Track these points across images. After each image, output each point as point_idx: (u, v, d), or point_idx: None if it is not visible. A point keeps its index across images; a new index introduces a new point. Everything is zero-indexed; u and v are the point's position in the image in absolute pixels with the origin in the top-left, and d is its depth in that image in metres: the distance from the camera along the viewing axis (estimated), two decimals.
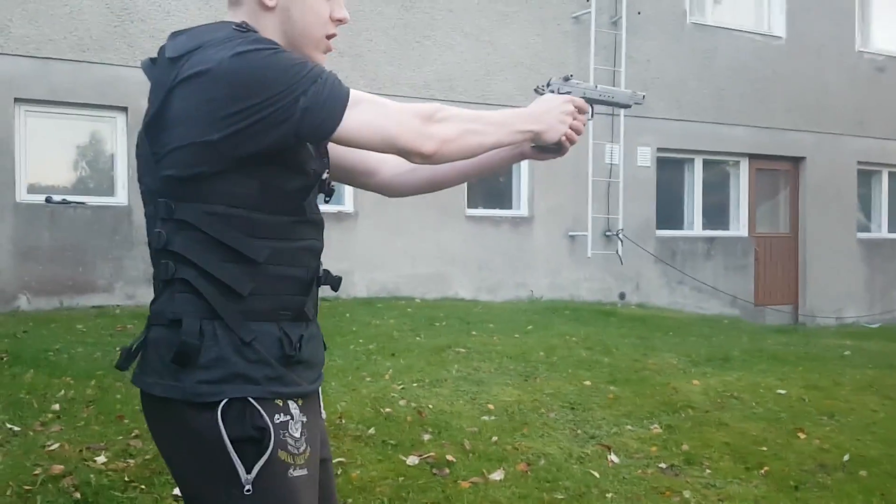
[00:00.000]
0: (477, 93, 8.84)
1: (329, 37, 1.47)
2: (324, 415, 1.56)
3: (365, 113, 1.33)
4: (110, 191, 7.44)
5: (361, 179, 1.72)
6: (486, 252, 8.93)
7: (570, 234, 9.36)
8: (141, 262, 7.24)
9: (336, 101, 1.31)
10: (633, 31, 9.65)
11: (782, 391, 5.13)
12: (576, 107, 1.60)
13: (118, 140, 7.41)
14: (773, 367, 5.81)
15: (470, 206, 8.90)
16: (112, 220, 7.22)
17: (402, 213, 8.27)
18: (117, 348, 5.03)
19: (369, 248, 8.30)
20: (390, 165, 1.69)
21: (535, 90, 1.66)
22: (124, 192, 7.36)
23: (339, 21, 1.47)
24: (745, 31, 10.58)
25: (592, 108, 1.68)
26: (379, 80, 8.33)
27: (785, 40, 10.81)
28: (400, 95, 8.40)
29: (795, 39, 10.87)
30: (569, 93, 1.63)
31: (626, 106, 1.79)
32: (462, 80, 8.78)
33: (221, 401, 1.29)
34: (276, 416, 1.32)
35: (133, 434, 3.53)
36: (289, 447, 1.32)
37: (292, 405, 1.35)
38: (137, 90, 7.26)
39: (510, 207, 9.30)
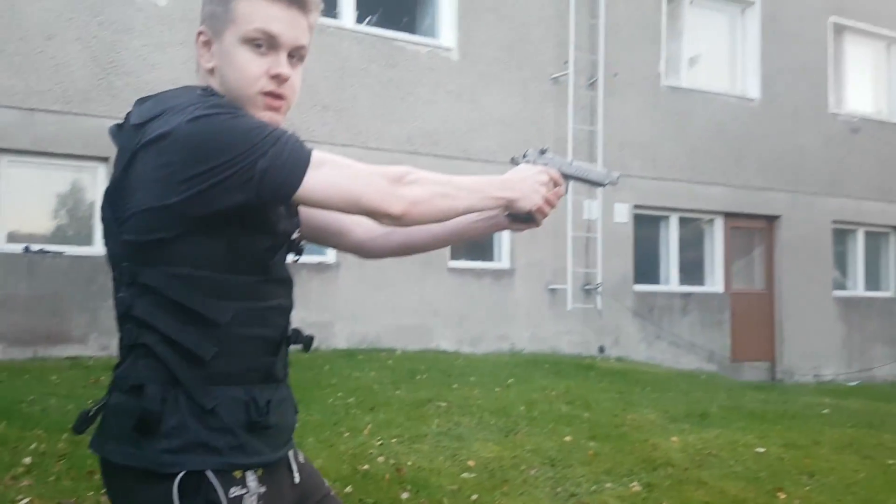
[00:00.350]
0: (459, 149, 8.96)
1: (266, 93, 1.40)
2: (302, 458, 1.53)
3: (328, 174, 1.31)
4: (88, 240, 7.41)
5: (334, 240, 1.70)
6: (468, 304, 8.94)
7: (551, 287, 9.41)
8: None
9: (296, 162, 1.29)
10: (610, 93, 9.87)
11: (761, 449, 5.12)
12: (551, 179, 1.58)
13: (98, 190, 7.40)
14: (751, 425, 5.81)
15: (453, 257, 8.94)
16: (89, 270, 7.16)
17: (385, 265, 8.27)
18: (89, 401, 4.96)
19: (351, 300, 8.29)
20: (364, 227, 1.68)
21: (511, 161, 1.65)
22: (102, 242, 7.32)
23: (276, 77, 1.39)
24: (720, 94, 10.86)
25: (568, 182, 1.67)
26: (363, 134, 8.44)
27: (759, 102, 11.10)
28: (384, 149, 8.51)
29: (770, 101, 11.16)
30: (545, 165, 1.62)
31: (601, 184, 1.75)
32: (445, 136, 8.91)
33: (179, 473, 1.27)
34: (232, 489, 1.30)
35: (104, 490, 3.45)
36: None
37: (250, 476, 1.32)
38: None
39: (492, 260, 9.35)
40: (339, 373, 6.54)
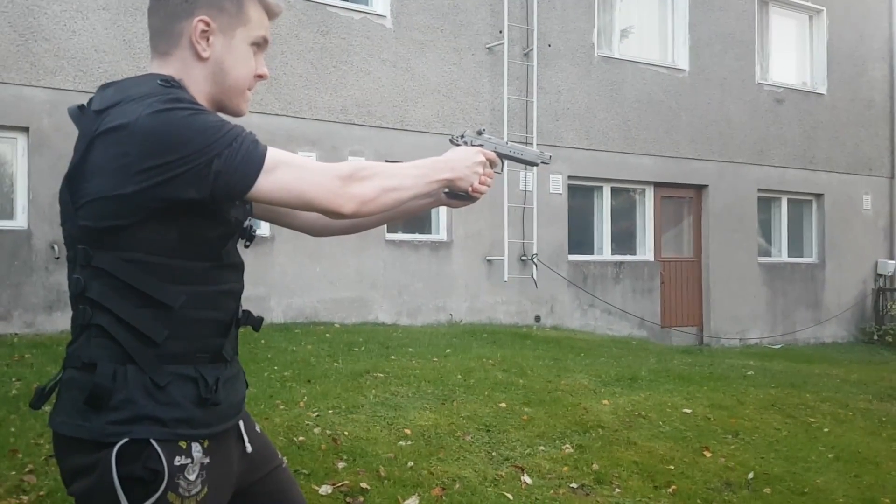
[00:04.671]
0: (395, 118, 8.90)
1: (249, 90, 1.55)
2: (258, 429, 1.63)
3: (281, 176, 1.37)
4: (9, 214, 7.11)
5: (284, 220, 1.79)
6: (406, 276, 8.95)
7: (488, 258, 9.48)
8: (41, 288, 6.93)
9: (250, 164, 1.35)
10: (545, 63, 9.93)
11: (688, 410, 5.30)
12: (487, 159, 1.70)
13: (19, 161, 7.10)
14: (679, 387, 5.99)
15: (389, 230, 8.91)
16: (11, 245, 6.90)
17: (321, 238, 8.17)
18: (14, 379, 4.80)
19: (287, 273, 8.20)
20: None
21: (451, 140, 1.75)
22: (24, 215, 7.05)
23: (260, 77, 1.54)
24: (651, 65, 11.03)
25: (503, 162, 1.79)
26: (295, 103, 8.29)
27: (689, 73, 11.32)
28: (317, 119, 8.39)
29: (699, 72, 11.39)
30: (481, 146, 1.73)
31: (534, 164, 1.89)
32: (380, 105, 8.83)
33: (121, 441, 1.32)
34: (177, 458, 1.35)
35: (27, 469, 3.37)
36: (180, 489, 1.35)
37: (195, 447, 1.38)
38: (41, 110, 7.04)
39: (429, 232, 9.36)
40: (275, 346, 6.48)
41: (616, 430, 4.72)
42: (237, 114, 1.54)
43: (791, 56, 12.75)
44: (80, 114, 1.42)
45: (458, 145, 1.72)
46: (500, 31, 9.52)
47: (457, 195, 1.72)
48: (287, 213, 1.76)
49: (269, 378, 5.33)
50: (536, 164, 1.90)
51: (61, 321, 6.82)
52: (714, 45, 11.51)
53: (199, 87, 1.46)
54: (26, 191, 7.04)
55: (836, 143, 12.81)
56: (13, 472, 3.34)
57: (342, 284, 8.55)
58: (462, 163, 1.63)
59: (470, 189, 1.67)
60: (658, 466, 4.25)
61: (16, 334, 6.69)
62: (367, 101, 8.75)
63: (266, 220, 1.79)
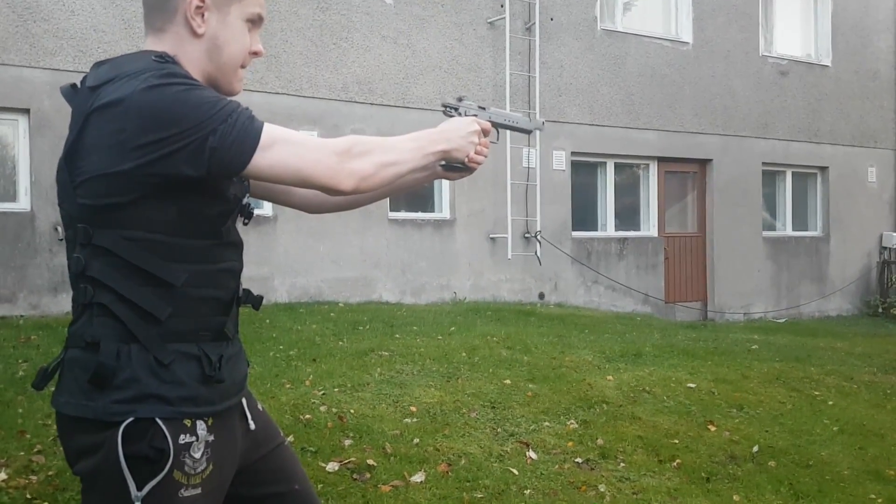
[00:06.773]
0: (396, 96, 8.84)
1: (243, 67, 1.53)
2: (260, 407, 1.64)
3: (278, 152, 1.36)
4: (12, 196, 7.10)
5: (282, 198, 1.78)
6: (409, 255, 8.95)
7: (491, 236, 9.47)
8: (45, 270, 6.95)
9: (246, 141, 1.34)
10: (547, 38, 9.84)
11: (692, 385, 5.31)
12: (482, 129, 1.68)
13: (20, 143, 7.09)
14: (683, 362, 6.00)
15: (392, 209, 8.89)
16: (14, 227, 6.91)
17: (324, 217, 8.18)
18: (20, 361, 4.83)
19: (290, 253, 8.20)
20: None
21: (445, 112, 1.72)
22: (27, 197, 7.05)
23: (255, 54, 1.53)
24: (654, 38, 10.91)
25: (498, 131, 1.77)
26: (296, 81, 8.24)
27: (692, 46, 11.21)
28: (318, 97, 8.34)
29: (702, 45, 11.29)
30: (475, 116, 1.72)
31: (529, 131, 1.89)
32: (381, 82, 8.77)
33: (126, 420, 1.32)
34: (182, 436, 1.35)
35: (35, 450, 3.39)
36: (186, 467, 1.35)
37: (200, 425, 1.38)
38: (41, 91, 7.01)
39: (433, 210, 9.34)
40: (280, 326, 6.50)
41: (620, 406, 4.73)
42: (230, 92, 1.52)
43: (795, 28, 12.60)
44: (73, 92, 1.41)
45: (452, 116, 1.70)
46: (502, 6, 9.42)
47: (453, 167, 1.70)
48: (284, 190, 1.75)
49: (274, 357, 5.35)
50: (531, 132, 1.89)
51: (66, 303, 6.84)
52: (718, 17, 11.39)
53: (193, 63, 1.45)
54: (28, 173, 7.03)
55: (840, 116, 12.72)
56: (21, 453, 3.36)
57: (346, 264, 8.55)
58: (457, 133, 1.62)
59: (466, 160, 1.65)
60: (663, 441, 4.27)
61: (21, 316, 6.72)
62: (368, 79, 8.69)
63: (262, 199, 1.78)
